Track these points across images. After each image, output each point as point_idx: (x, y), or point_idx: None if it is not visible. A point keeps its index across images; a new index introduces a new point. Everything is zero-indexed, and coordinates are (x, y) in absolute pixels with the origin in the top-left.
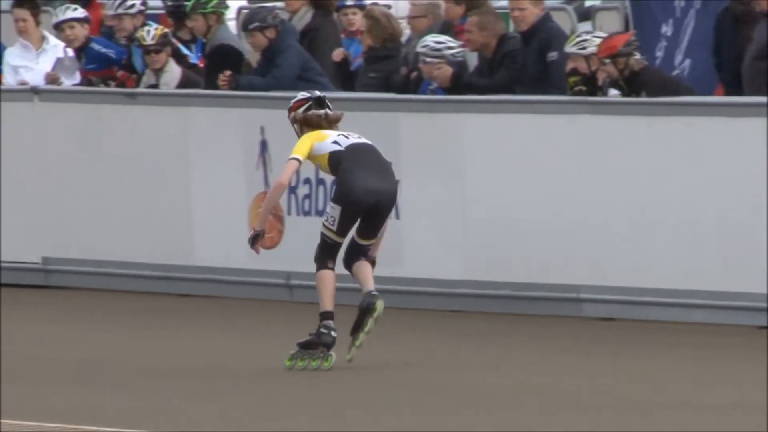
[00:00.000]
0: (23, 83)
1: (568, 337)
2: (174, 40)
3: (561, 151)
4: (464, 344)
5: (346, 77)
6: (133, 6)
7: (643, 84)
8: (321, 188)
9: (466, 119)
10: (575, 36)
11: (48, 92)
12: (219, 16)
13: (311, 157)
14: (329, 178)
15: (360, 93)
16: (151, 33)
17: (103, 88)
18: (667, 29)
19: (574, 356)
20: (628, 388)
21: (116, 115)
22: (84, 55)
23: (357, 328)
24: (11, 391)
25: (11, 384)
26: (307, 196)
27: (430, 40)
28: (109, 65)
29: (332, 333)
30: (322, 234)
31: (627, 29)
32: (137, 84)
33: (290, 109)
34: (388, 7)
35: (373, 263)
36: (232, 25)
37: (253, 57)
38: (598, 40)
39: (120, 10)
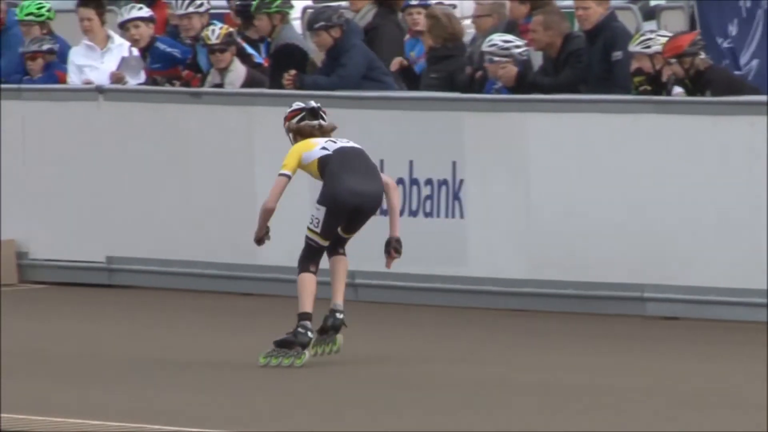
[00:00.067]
0: (88, 83)
1: (632, 337)
2: (239, 40)
3: (625, 150)
4: (528, 344)
5: (410, 78)
6: (201, 5)
7: (708, 83)
8: None
9: (531, 119)
10: (639, 35)
11: (113, 92)
12: (283, 15)
13: (302, 167)
14: (393, 177)
15: (424, 92)
16: (215, 32)
17: (168, 88)
18: (732, 29)
19: (637, 355)
20: (692, 387)
21: (181, 114)
22: (149, 55)
23: (318, 339)
24: (75, 390)
25: (75, 382)
26: None
27: (498, 39)
28: (174, 64)
29: (309, 333)
30: (307, 238)
31: (692, 28)
32: (202, 83)
33: (285, 119)
34: (453, 6)
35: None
36: (297, 25)
37: (317, 56)
38: (662, 39)
39: (190, 9)
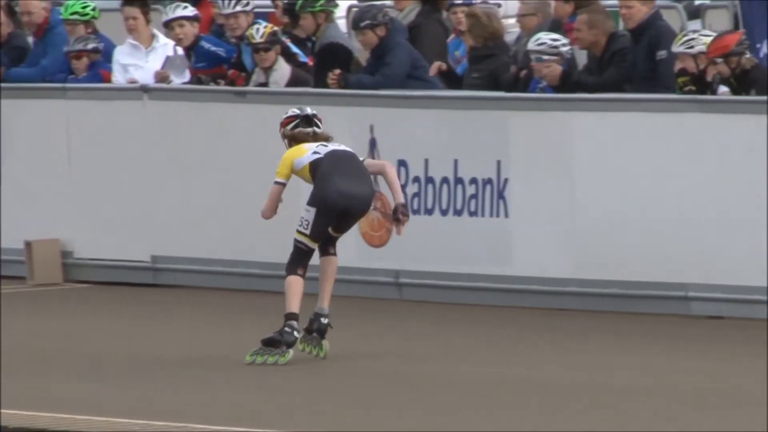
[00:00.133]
0: (133, 82)
1: (677, 336)
2: (284, 39)
3: (670, 149)
4: (572, 343)
5: (451, 80)
6: (248, 4)
7: (753, 82)
8: (430, 186)
9: (575, 118)
10: (681, 35)
11: (158, 91)
12: (328, 14)
13: (295, 172)
14: (438, 177)
15: (469, 92)
16: (260, 31)
17: (212, 87)
18: None
19: (683, 355)
20: (737, 386)
21: (225, 113)
22: (194, 54)
23: (306, 338)
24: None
25: (119, 381)
26: (416, 195)
27: (546, 37)
28: (218, 63)
29: (295, 333)
30: (296, 241)
31: (736, 27)
32: (247, 82)
33: (281, 125)
34: (498, 5)
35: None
36: (341, 24)
37: (362, 55)
38: (704, 39)
39: (237, 8)
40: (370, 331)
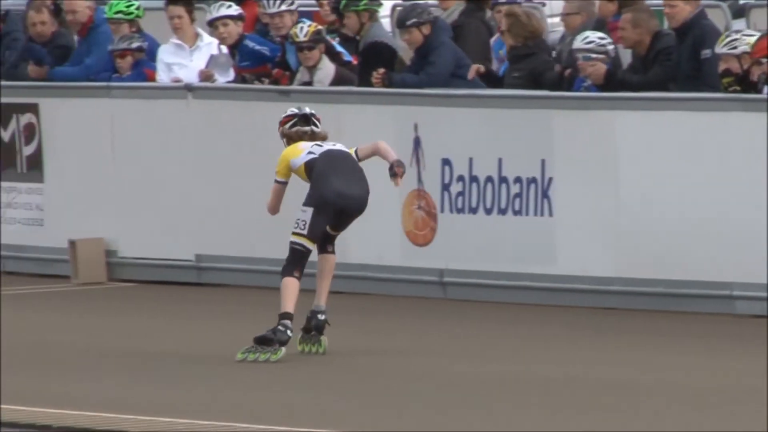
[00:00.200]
0: (177, 81)
1: (721, 335)
2: (328, 38)
3: (714, 147)
4: (616, 342)
5: (492, 81)
6: (292, 2)
7: None
8: (474, 185)
9: (620, 117)
10: (725, 36)
11: (202, 90)
12: (372, 13)
13: (293, 172)
14: (482, 175)
15: (513, 90)
16: (304, 30)
17: (256, 86)
18: None
19: (727, 354)
20: None
21: (270, 112)
22: (238, 53)
23: (304, 338)
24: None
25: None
26: (461, 194)
27: (594, 36)
28: (263, 62)
29: (288, 332)
30: (292, 243)
31: None
32: (291, 81)
33: (279, 124)
34: (543, 4)
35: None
36: (385, 23)
37: (406, 54)
38: (748, 39)
39: (283, 7)
40: (415, 330)
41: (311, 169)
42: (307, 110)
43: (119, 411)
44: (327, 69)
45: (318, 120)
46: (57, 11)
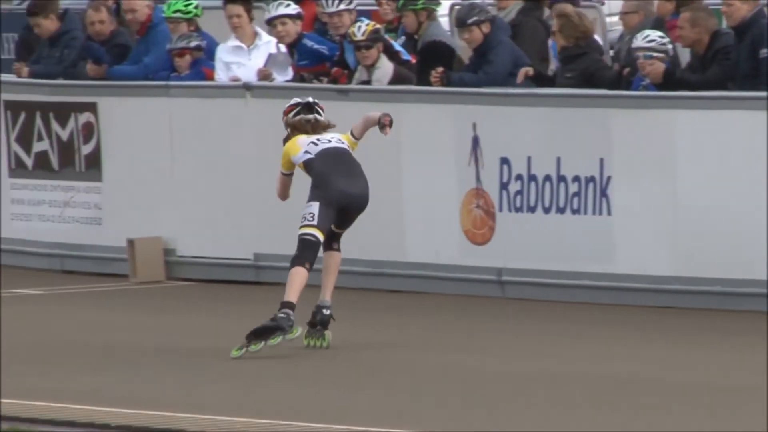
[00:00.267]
0: (235, 79)
1: None
2: (386, 37)
3: None
4: (675, 341)
5: (543, 82)
6: (351, 2)
7: None
8: (533, 184)
9: (678, 115)
10: None
11: (260, 88)
12: (430, 12)
13: (296, 166)
14: (541, 174)
15: (572, 89)
16: (361, 29)
17: (315, 84)
18: None
19: None
20: None
21: (328, 111)
22: (296, 51)
23: (310, 332)
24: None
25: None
26: (519, 193)
27: (654, 34)
28: (321, 61)
29: (291, 318)
30: (301, 235)
31: None
32: (349, 80)
33: (284, 113)
34: (602, 3)
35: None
36: (443, 22)
37: (464, 53)
38: None
39: (341, 6)
40: (473, 329)
41: (310, 169)
42: (310, 99)
43: (178, 410)
44: (385, 68)
45: (321, 109)
46: (116, 10)
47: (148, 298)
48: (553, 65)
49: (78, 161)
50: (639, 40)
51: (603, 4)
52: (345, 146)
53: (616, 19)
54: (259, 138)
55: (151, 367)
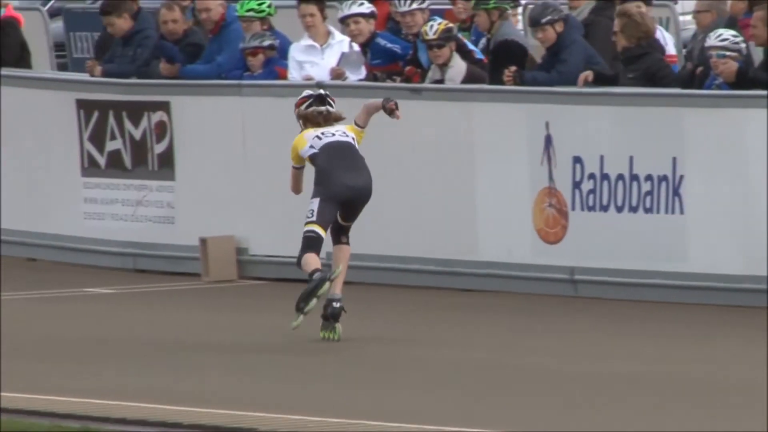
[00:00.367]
0: (308, 78)
1: None
2: (459, 36)
3: None
4: (749, 340)
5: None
6: (424, 1)
7: None
8: (605, 183)
9: (751, 114)
10: None
11: (333, 87)
12: (502, 11)
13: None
14: (613, 173)
15: (644, 89)
16: (433, 28)
17: (388, 84)
18: None
19: None
20: None
21: (401, 110)
22: (369, 50)
23: (323, 325)
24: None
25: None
26: (592, 192)
27: (728, 33)
28: (394, 60)
29: (324, 270)
30: (304, 233)
31: None
32: (422, 79)
33: (295, 105)
34: (675, 2)
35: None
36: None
37: (536, 52)
38: None
39: (414, 6)
40: (545, 328)
41: (315, 164)
42: (322, 91)
43: (249, 409)
44: (458, 67)
45: (333, 101)
46: (192, 10)
47: (220, 297)
48: None
49: (151, 160)
50: (712, 39)
51: (676, 3)
52: (349, 139)
53: (689, 18)
54: None
55: (222, 365)
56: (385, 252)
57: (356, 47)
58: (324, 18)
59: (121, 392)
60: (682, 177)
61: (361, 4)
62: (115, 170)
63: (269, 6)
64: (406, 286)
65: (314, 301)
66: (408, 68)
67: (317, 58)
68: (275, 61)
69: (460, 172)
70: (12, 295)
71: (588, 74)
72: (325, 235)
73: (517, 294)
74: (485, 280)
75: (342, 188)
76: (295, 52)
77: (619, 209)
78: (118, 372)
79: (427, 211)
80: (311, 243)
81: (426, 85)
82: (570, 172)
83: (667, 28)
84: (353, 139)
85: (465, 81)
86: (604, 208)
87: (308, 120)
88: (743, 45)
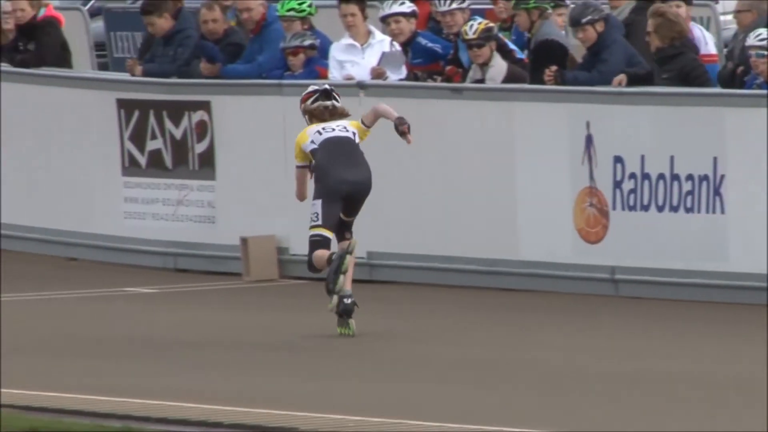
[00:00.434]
0: (349, 78)
1: None
2: (500, 35)
3: None
4: None
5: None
6: (464, 0)
7: None
8: (646, 183)
9: None
10: None
11: (374, 87)
12: (542, 11)
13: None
14: (654, 173)
15: (685, 88)
16: (473, 27)
17: (429, 83)
18: None
19: None
20: None
21: (441, 109)
22: (410, 50)
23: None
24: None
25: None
26: (632, 191)
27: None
28: (435, 60)
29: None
30: (310, 237)
31: None
32: (463, 79)
33: (301, 101)
34: (716, 1)
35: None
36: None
37: (577, 52)
38: None
39: (454, 6)
40: (586, 327)
41: (314, 160)
42: (327, 86)
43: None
44: (499, 66)
45: (338, 96)
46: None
47: (261, 297)
48: None
49: (191, 160)
50: (752, 39)
51: (717, 2)
52: (349, 134)
53: (730, 17)
54: (372, 136)
55: (264, 365)
56: (426, 252)
57: (397, 47)
58: (365, 17)
59: (162, 392)
60: (723, 177)
61: (402, 3)
62: (155, 170)
63: (310, 5)
64: (448, 285)
65: (342, 278)
66: (449, 68)
67: (358, 57)
68: (316, 61)
69: (500, 172)
70: (53, 295)
71: (621, 78)
72: (332, 236)
73: (558, 294)
74: (526, 280)
75: (341, 183)
76: (336, 52)
77: (660, 209)
78: (159, 371)
79: (469, 211)
80: (319, 246)
81: (467, 84)
82: (611, 172)
83: (707, 28)
84: (354, 134)
85: (505, 80)
86: (645, 208)
87: (314, 115)
88: None
